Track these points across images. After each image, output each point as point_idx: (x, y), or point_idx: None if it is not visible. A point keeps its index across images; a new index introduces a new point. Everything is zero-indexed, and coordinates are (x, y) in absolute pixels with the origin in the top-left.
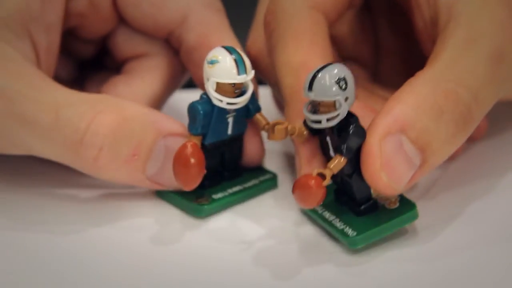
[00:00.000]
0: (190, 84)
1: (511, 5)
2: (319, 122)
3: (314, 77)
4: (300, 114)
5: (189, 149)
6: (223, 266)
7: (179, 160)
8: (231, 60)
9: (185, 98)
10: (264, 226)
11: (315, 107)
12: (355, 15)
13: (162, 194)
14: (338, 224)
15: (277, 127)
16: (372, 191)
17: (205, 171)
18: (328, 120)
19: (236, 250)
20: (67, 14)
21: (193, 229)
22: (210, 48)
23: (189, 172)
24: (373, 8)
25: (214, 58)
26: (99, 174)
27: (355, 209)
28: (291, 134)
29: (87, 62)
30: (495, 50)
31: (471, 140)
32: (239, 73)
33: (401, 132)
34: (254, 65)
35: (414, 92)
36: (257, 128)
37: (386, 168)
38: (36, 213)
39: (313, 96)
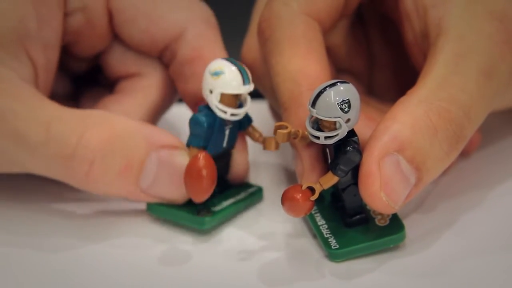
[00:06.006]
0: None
1: (501, 17)
2: (318, 137)
3: (319, 94)
4: (300, 119)
5: (202, 161)
6: (224, 282)
7: (191, 172)
8: (236, 70)
9: (179, 112)
10: (263, 239)
11: (318, 120)
12: (348, 27)
13: (156, 210)
14: (325, 231)
15: (279, 131)
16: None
17: (216, 183)
18: (326, 138)
19: (239, 266)
20: (63, 31)
21: (191, 245)
22: (202, 63)
23: (201, 184)
24: (365, 20)
25: (218, 70)
26: (92, 188)
27: (346, 219)
28: (294, 138)
29: (83, 78)
30: (485, 65)
31: (465, 154)
32: (244, 83)
33: (398, 151)
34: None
35: (408, 111)
36: (245, 144)
37: (386, 188)
38: (30, 229)
39: (315, 113)
